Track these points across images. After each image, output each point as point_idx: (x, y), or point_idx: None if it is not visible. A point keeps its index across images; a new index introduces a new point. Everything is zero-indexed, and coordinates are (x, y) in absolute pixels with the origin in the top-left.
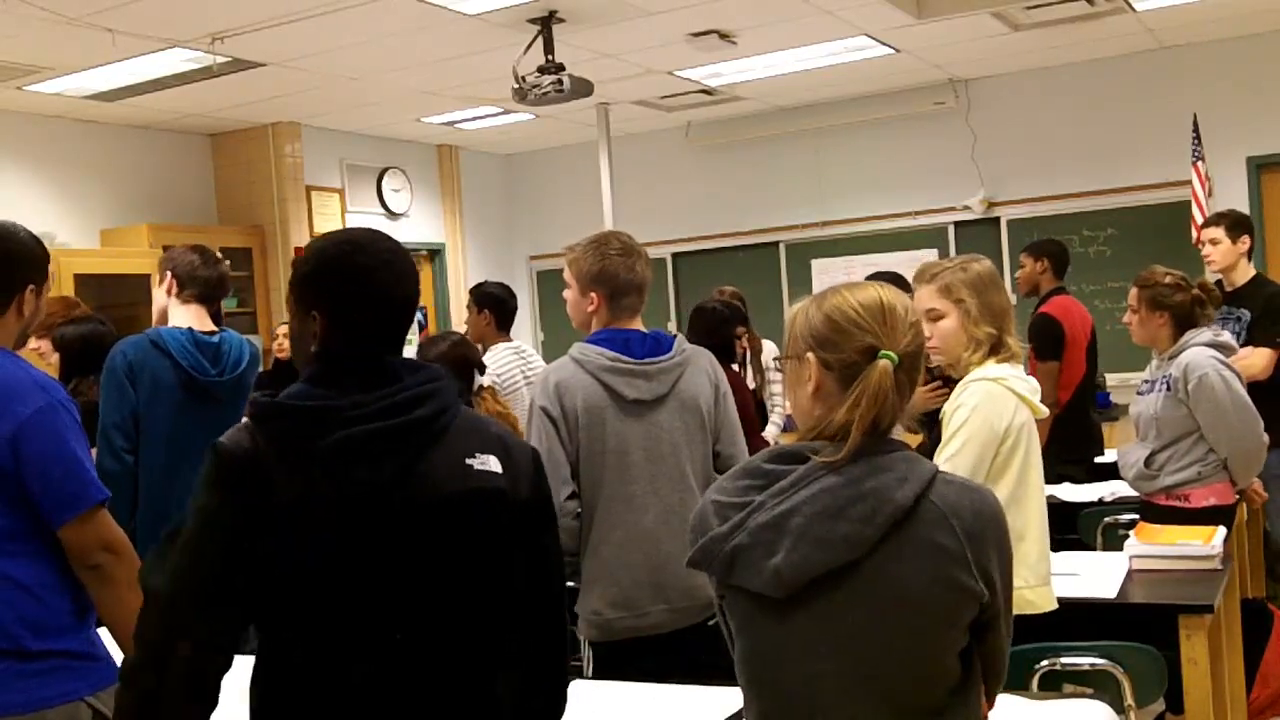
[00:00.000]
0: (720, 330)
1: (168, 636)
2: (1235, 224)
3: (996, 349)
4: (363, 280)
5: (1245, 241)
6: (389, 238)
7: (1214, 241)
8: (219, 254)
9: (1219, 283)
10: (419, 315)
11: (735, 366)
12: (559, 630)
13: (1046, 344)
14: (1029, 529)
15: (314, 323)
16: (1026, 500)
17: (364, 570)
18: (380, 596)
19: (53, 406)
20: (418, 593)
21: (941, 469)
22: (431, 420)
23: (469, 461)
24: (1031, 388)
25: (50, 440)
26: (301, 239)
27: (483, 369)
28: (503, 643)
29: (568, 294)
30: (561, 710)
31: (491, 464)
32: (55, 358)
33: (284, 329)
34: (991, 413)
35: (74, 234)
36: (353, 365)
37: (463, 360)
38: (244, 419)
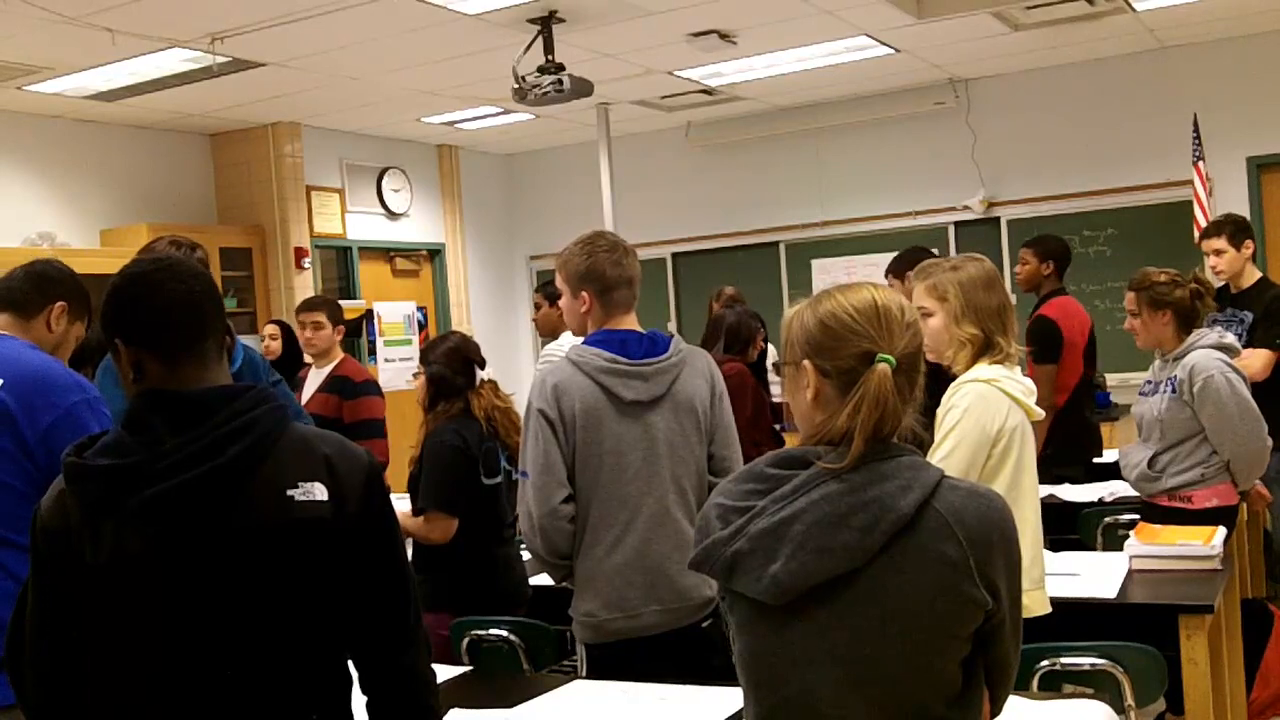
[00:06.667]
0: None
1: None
2: (1237, 230)
3: (988, 349)
4: (140, 284)
5: (1249, 246)
6: (173, 256)
7: (1219, 252)
8: (195, 241)
9: (1225, 286)
10: (418, 315)
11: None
12: (406, 646)
13: (1044, 347)
14: (1023, 532)
15: (120, 352)
16: (1020, 503)
17: (184, 617)
18: (202, 640)
19: (89, 403)
20: (241, 633)
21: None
22: (245, 456)
23: (290, 493)
24: (1026, 389)
25: (90, 428)
26: (301, 239)
27: (483, 364)
28: (335, 670)
29: (563, 302)
30: None
31: (315, 492)
32: None
33: (270, 329)
34: (983, 414)
35: (74, 234)
36: (164, 402)
37: (464, 358)
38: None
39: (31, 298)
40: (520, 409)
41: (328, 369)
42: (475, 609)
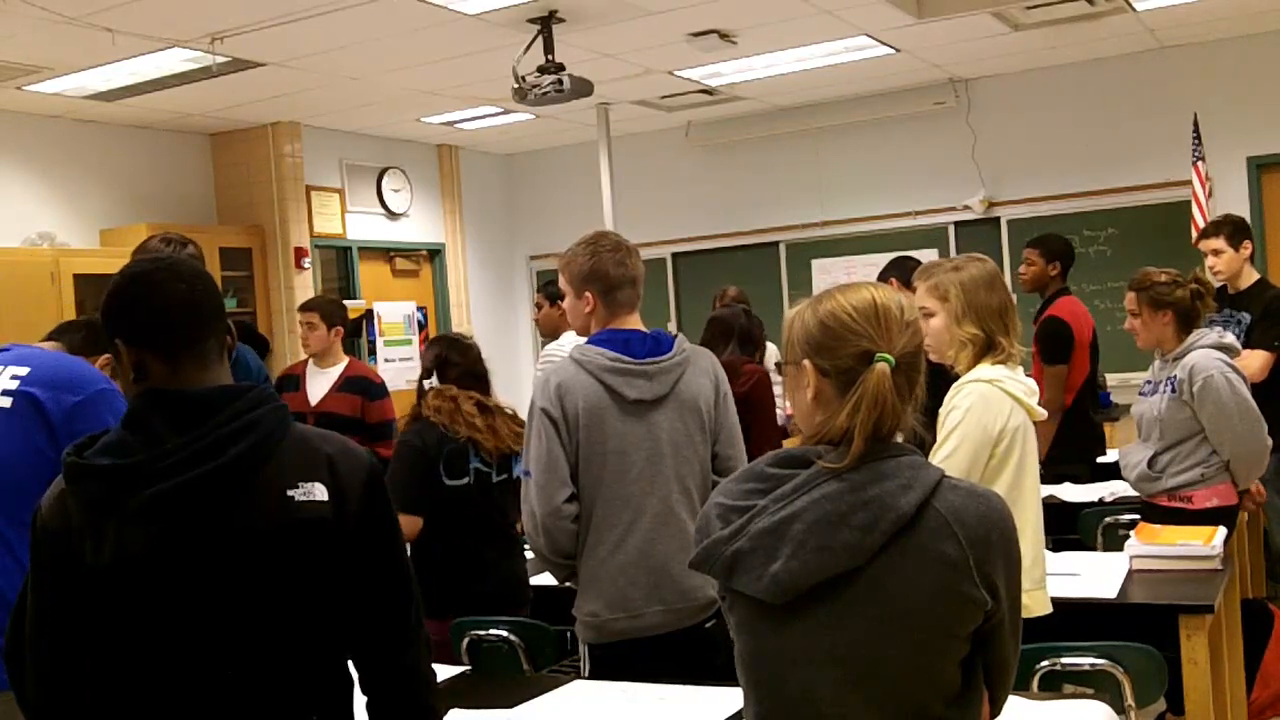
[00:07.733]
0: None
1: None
2: (1235, 231)
3: (990, 349)
4: (140, 284)
5: (1247, 247)
6: (174, 256)
7: (1217, 252)
8: (186, 238)
9: (1224, 287)
10: (418, 315)
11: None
12: (406, 646)
13: (1055, 348)
14: (1024, 532)
15: (121, 353)
16: (1022, 503)
17: (185, 617)
18: (203, 640)
19: (113, 391)
20: (242, 633)
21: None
22: (247, 456)
23: (290, 493)
24: (1028, 389)
25: (108, 420)
26: (301, 239)
27: (429, 374)
28: (336, 671)
29: (566, 303)
30: None
31: (316, 492)
32: None
33: None
34: (985, 415)
35: (73, 234)
36: (165, 401)
37: (434, 360)
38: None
39: (83, 344)
40: (521, 410)
41: (336, 369)
42: (465, 610)
